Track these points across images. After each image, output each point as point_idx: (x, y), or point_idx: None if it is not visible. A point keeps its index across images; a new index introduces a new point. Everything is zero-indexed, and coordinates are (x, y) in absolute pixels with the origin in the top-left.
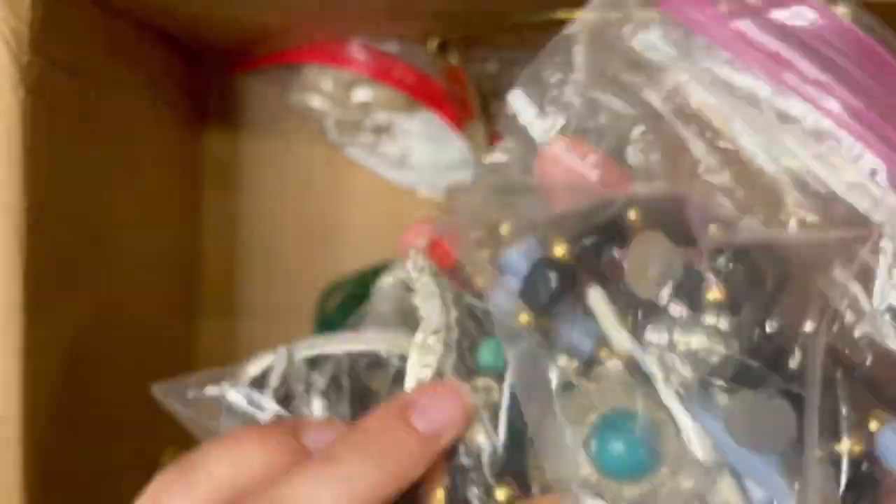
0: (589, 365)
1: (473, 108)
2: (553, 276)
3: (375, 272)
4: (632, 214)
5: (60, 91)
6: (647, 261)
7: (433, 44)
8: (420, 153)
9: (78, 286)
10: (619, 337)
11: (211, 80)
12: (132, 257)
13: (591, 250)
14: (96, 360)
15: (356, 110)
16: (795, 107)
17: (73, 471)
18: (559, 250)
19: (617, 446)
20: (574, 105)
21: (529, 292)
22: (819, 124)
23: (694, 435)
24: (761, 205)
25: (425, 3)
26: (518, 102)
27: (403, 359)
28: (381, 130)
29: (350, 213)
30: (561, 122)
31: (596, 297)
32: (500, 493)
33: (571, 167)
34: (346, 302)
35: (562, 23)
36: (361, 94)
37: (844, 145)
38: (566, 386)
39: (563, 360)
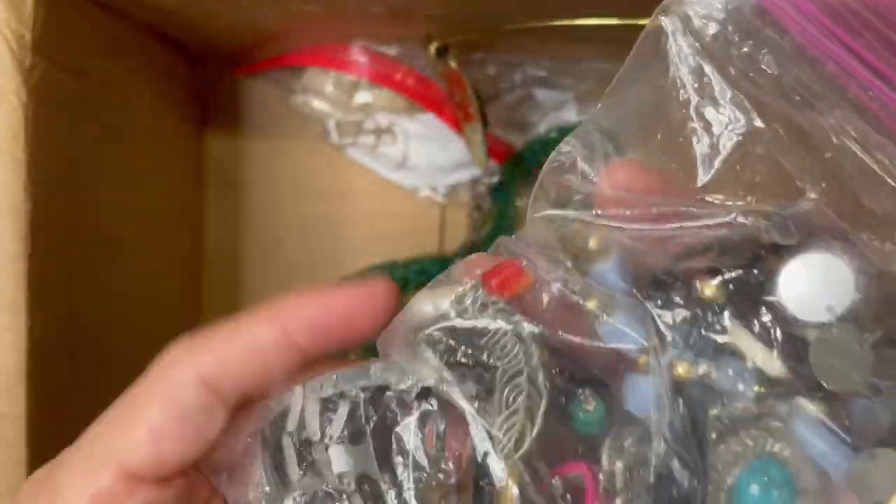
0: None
1: (472, 110)
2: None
3: (376, 272)
4: (769, 236)
5: (63, 93)
6: (810, 274)
7: (433, 47)
8: (420, 154)
9: (82, 286)
10: (772, 366)
11: (213, 82)
12: (135, 257)
13: (742, 287)
14: (101, 360)
15: (357, 112)
16: None
17: None
18: (709, 290)
19: (756, 492)
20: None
21: (688, 336)
22: None
23: (812, 470)
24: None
25: (425, 7)
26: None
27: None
28: (382, 132)
29: (351, 213)
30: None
31: (735, 328)
32: None
33: (639, 182)
34: None
35: (559, 29)
36: (362, 96)
37: None
38: (718, 438)
39: (716, 410)
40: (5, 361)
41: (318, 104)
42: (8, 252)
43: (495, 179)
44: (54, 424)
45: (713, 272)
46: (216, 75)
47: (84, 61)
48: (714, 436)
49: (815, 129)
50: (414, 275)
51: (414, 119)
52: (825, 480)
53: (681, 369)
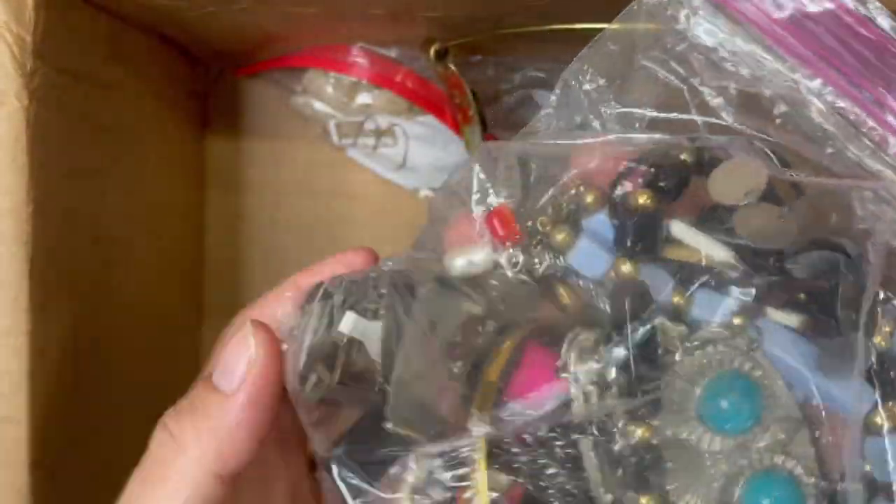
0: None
1: (471, 112)
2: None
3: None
4: (686, 157)
5: (64, 96)
6: (733, 173)
7: (433, 50)
8: (420, 156)
9: (83, 289)
10: (717, 251)
11: (214, 83)
12: (137, 259)
13: (669, 192)
14: (103, 361)
15: (357, 113)
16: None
17: (79, 471)
18: (643, 198)
19: (725, 405)
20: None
21: (629, 239)
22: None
23: (785, 389)
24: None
25: (425, 9)
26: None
27: None
28: (382, 133)
29: (351, 214)
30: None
31: (680, 227)
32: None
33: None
34: None
35: (556, 32)
36: (362, 97)
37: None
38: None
39: (668, 326)
40: (7, 365)
41: (319, 105)
42: (10, 255)
43: None
44: (56, 428)
45: (647, 185)
46: (216, 76)
47: (85, 64)
48: (678, 346)
49: (762, 96)
50: None
51: (414, 120)
52: (793, 393)
53: (624, 268)
